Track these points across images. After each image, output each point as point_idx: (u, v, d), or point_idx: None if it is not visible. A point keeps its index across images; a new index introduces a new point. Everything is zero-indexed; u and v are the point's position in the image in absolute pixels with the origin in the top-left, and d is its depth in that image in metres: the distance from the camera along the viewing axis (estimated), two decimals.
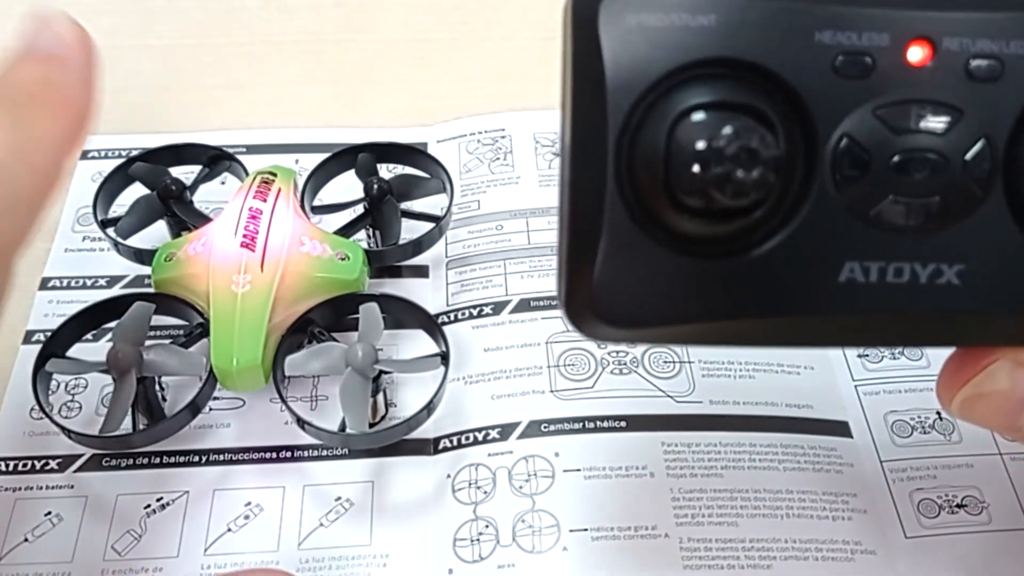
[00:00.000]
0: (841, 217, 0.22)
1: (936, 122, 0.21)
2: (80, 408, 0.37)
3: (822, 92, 0.21)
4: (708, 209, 0.21)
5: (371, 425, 0.35)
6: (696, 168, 0.21)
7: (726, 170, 0.20)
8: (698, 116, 0.21)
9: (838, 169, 0.22)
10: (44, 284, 0.41)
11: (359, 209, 0.41)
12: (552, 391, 0.37)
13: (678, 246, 0.22)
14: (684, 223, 0.22)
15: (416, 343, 0.38)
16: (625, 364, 0.38)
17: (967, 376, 0.25)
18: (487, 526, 0.34)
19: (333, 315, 0.37)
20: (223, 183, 0.43)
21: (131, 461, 0.35)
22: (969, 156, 0.21)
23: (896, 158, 0.21)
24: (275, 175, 0.40)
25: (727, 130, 0.20)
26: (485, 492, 0.35)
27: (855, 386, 0.38)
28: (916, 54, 0.21)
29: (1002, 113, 0.21)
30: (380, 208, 0.40)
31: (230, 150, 0.43)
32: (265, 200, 0.38)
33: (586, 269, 0.22)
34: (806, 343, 0.24)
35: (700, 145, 0.21)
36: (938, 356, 0.38)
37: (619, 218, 0.22)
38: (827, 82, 0.21)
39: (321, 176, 0.42)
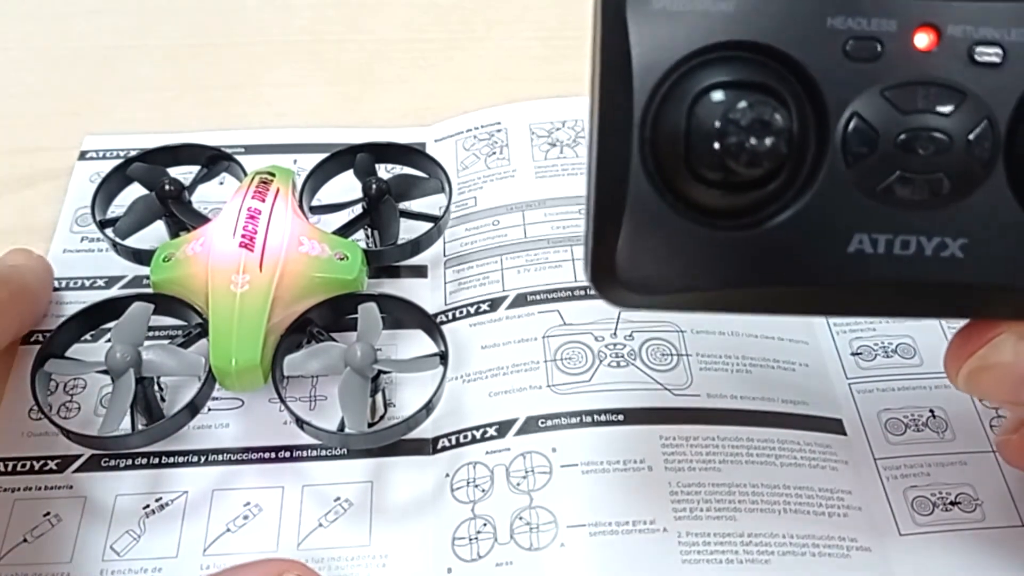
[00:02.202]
0: (850, 191, 0.23)
1: (941, 104, 0.23)
2: (79, 408, 0.37)
3: (833, 74, 0.23)
4: (725, 181, 0.23)
5: (370, 425, 0.35)
6: (713, 140, 0.22)
7: (740, 140, 0.22)
8: (716, 94, 0.23)
9: (848, 146, 0.23)
10: None
11: (357, 209, 0.41)
12: (549, 386, 0.37)
13: (697, 218, 0.24)
14: (703, 195, 0.23)
15: (415, 343, 0.39)
16: (622, 357, 0.38)
17: (973, 348, 0.26)
18: (485, 524, 0.34)
19: (332, 315, 0.37)
20: (221, 183, 0.43)
21: (130, 461, 0.35)
22: (972, 136, 0.23)
23: (903, 136, 0.23)
24: (273, 175, 0.40)
25: (742, 104, 0.22)
26: (483, 490, 0.35)
27: (848, 384, 0.38)
28: (922, 40, 0.23)
29: (1004, 97, 0.23)
30: (378, 208, 0.40)
31: (228, 150, 0.43)
32: (264, 200, 0.38)
33: (611, 238, 0.24)
34: (815, 311, 0.26)
35: (717, 119, 0.22)
36: (932, 355, 0.39)
37: (642, 191, 0.23)
38: (838, 64, 0.23)
39: (319, 176, 0.42)
